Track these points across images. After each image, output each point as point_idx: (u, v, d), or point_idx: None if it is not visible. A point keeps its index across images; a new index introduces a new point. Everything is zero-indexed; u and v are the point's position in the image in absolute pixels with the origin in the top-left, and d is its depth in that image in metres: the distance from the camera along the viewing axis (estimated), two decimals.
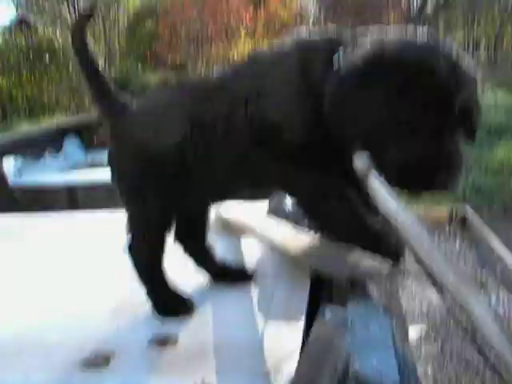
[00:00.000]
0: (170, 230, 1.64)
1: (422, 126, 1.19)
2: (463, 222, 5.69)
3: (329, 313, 0.77)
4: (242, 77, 1.42)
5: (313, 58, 1.32)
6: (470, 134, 1.32)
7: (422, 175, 1.23)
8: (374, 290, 1.03)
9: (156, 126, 1.52)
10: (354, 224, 1.37)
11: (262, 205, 2.16)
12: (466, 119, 1.26)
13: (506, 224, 5.67)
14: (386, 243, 1.34)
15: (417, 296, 4.19)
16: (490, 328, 2.16)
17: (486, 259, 4.87)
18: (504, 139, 9.04)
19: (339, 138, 1.27)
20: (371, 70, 1.20)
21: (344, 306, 0.87)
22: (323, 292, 1.36)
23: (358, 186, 1.37)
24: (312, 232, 1.60)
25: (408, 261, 2.32)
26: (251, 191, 1.63)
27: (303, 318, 1.38)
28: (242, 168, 1.44)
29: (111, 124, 1.64)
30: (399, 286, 4.32)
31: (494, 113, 10.99)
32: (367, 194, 1.50)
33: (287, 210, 1.89)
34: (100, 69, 1.67)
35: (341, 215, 1.37)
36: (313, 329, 0.78)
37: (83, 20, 1.67)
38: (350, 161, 1.28)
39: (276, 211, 1.96)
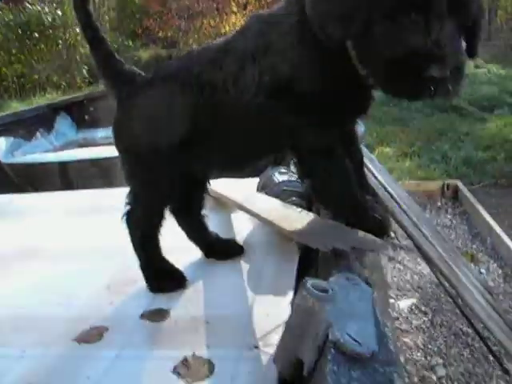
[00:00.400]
0: (171, 203, 1.66)
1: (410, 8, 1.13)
2: (455, 195, 5.76)
3: (310, 285, 0.80)
4: (246, 36, 1.42)
5: None
6: (472, 45, 1.27)
7: (410, 68, 1.13)
8: (357, 262, 1.06)
9: (166, 92, 1.52)
10: (346, 190, 1.40)
11: (253, 181, 2.19)
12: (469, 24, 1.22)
13: (496, 198, 5.72)
14: (372, 217, 1.37)
15: (408, 269, 4.26)
16: (475, 301, 2.22)
17: (477, 232, 4.95)
18: (496, 113, 9.06)
19: (327, 41, 1.25)
20: None
21: (327, 279, 0.90)
22: (311, 265, 1.40)
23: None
24: (299, 208, 1.64)
25: (402, 235, 2.36)
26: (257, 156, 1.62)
27: (291, 292, 1.42)
28: (254, 125, 1.44)
29: (119, 93, 1.62)
30: (383, 258, 4.39)
31: (487, 87, 10.99)
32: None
33: (276, 188, 1.92)
34: (103, 36, 1.66)
35: (338, 177, 1.39)
36: (295, 300, 0.82)
37: None
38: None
39: (266, 188, 1.99)
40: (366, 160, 2.47)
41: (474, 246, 4.69)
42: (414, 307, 3.76)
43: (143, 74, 1.65)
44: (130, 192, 1.63)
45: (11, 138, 4.98)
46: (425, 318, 3.63)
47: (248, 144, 1.50)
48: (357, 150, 1.55)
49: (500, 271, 4.22)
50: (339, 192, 1.40)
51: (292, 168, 2.07)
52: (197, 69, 1.46)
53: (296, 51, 1.31)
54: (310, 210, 1.78)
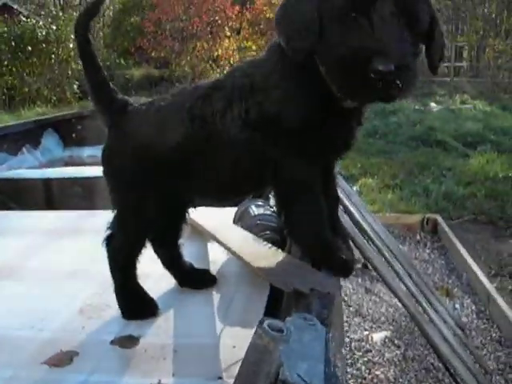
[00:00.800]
0: (153, 231, 1.71)
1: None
2: (434, 230, 5.85)
3: (266, 324, 0.85)
4: (234, 76, 1.51)
5: None
6: (430, 57, 1.37)
7: (356, 65, 1.19)
8: (317, 302, 1.11)
9: (157, 124, 1.58)
10: (317, 229, 1.47)
11: (230, 211, 2.24)
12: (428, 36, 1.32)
13: (474, 234, 5.81)
14: (338, 258, 1.44)
15: (384, 302, 4.32)
16: (441, 339, 2.27)
17: (454, 267, 5.02)
18: (479, 150, 9.22)
19: (293, 56, 1.34)
20: None
21: (286, 317, 0.96)
22: (279, 300, 1.45)
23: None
24: (269, 245, 1.70)
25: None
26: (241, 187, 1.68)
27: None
28: (240, 157, 1.50)
29: (110, 121, 1.68)
30: (359, 290, 4.44)
31: (471, 123, 11.20)
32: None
33: (251, 221, 1.97)
34: (100, 65, 1.70)
35: (312, 215, 1.46)
36: (252, 338, 0.87)
37: (89, 13, 1.70)
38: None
39: (241, 220, 2.04)
40: (343, 195, 2.54)
41: (450, 281, 4.76)
42: (387, 340, 3.80)
43: (135, 104, 1.70)
44: (115, 217, 1.67)
45: None
46: (397, 352, 3.67)
47: (233, 176, 1.56)
48: (333, 191, 1.61)
49: (474, 307, 4.29)
50: (310, 230, 1.47)
51: (269, 201, 2.13)
52: (188, 103, 1.54)
53: (278, 90, 1.40)
54: (283, 243, 1.84)
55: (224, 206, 2.28)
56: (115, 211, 1.67)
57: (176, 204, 1.71)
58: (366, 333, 3.88)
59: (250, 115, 1.43)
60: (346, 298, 4.33)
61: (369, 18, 1.20)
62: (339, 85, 1.28)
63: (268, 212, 2.01)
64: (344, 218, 2.04)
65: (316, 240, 1.46)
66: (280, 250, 1.65)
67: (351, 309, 4.19)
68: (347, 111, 1.42)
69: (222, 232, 1.93)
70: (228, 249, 1.81)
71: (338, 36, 1.24)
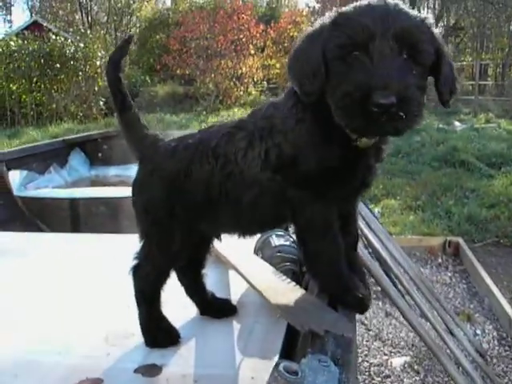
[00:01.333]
0: (178, 263, 1.78)
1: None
2: (456, 253, 5.82)
3: (282, 367, 0.89)
4: (256, 116, 1.59)
5: None
6: (439, 92, 1.41)
7: (359, 100, 1.24)
8: (331, 343, 1.15)
9: (185, 160, 1.65)
10: (334, 268, 1.52)
11: (252, 240, 2.28)
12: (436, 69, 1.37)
13: (497, 258, 5.77)
14: (354, 296, 1.49)
15: (404, 326, 4.31)
16: (456, 371, 2.28)
17: (476, 292, 4.99)
18: (503, 170, 9.14)
19: (305, 99, 1.42)
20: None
21: (304, 355, 1.00)
22: (297, 332, 1.49)
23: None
24: (288, 280, 1.75)
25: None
26: (263, 224, 1.74)
27: (276, 357, 1.51)
28: (260, 196, 1.56)
29: (141, 155, 1.77)
30: (379, 314, 4.43)
31: (495, 143, 11.10)
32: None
33: (271, 252, 2.02)
34: (131, 102, 1.79)
35: (329, 254, 1.51)
36: (268, 380, 0.91)
37: (119, 53, 1.79)
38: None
39: (262, 250, 2.09)
40: (363, 224, 2.58)
41: (472, 306, 4.73)
42: (406, 365, 3.80)
43: (164, 139, 1.78)
44: (142, 248, 1.74)
45: (25, 172, 5.13)
46: (417, 378, 3.67)
47: (254, 213, 1.61)
48: (353, 230, 1.66)
49: (495, 333, 4.26)
50: (327, 268, 1.52)
51: (289, 231, 2.18)
52: (214, 141, 1.61)
53: (294, 133, 1.46)
54: (302, 274, 1.88)
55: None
56: (142, 242, 1.73)
57: (201, 237, 1.77)
58: (386, 357, 3.88)
59: (269, 156, 1.50)
60: (366, 322, 4.34)
61: (369, 55, 1.26)
62: (345, 122, 1.33)
63: (288, 243, 2.05)
64: (362, 251, 2.08)
65: (333, 277, 1.51)
66: (298, 286, 1.69)
67: (371, 333, 4.20)
68: (363, 150, 1.46)
69: (242, 264, 1.98)
70: (248, 282, 1.86)
71: (341, 75, 1.31)
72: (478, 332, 4.28)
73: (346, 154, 1.45)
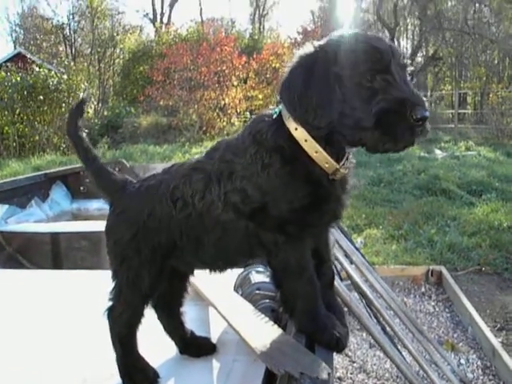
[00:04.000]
0: (152, 301, 1.79)
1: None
2: (439, 281, 5.84)
3: None
4: (213, 158, 1.61)
5: (264, 133, 1.52)
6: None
7: (399, 115, 1.36)
8: (308, 382, 1.15)
9: (146, 203, 1.68)
10: (311, 308, 1.53)
11: (231, 277, 2.27)
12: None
13: (479, 286, 5.80)
14: (331, 335, 1.49)
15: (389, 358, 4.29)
16: None
17: (459, 320, 5.00)
18: (484, 198, 9.24)
19: (316, 132, 1.45)
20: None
21: None
22: (274, 375, 1.49)
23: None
24: (266, 319, 1.75)
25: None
26: (229, 261, 1.75)
27: None
28: (224, 238, 1.59)
29: (111, 200, 1.81)
30: (363, 345, 4.40)
31: (475, 171, 11.25)
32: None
33: (250, 289, 2.02)
34: (95, 153, 1.86)
35: (305, 295, 1.53)
36: None
37: (77, 112, 1.87)
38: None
39: (242, 286, 2.09)
40: (343, 258, 2.59)
41: (456, 335, 4.73)
42: None
43: (134, 181, 1.80)
44: (114, 289, 1.74)
45: (6, 206, 5.08)
46: None
47: (218, 252, 1.64)
48: (328, 269, 1.68)
49: (479, 362, 4.25)
50: (304, 308, 1.53)
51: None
52: (172, 184, 1.64)
53: (262, 178, 1.48)
54: (282, 313, 1.88)
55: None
56: (113, 282, 1.74)
57: (175, 274, 1.78)
58: None
59: (229, 199, 1.52)
60: (350, 354, 4.31)
61: (393, 77, 1.39)
62: (375, 136, 1.39)
63: (268, 279, 2.05)
64: (341, 286, 2.08)
65: (310, 317, 1.52)
66: (276, 326, 1.69)
67: (355, 365, 4.17)
68: (332, 182, 1.50)
69: (221, 302, 1.98)
70: (226, 321, 1.86)
71: (369, 96, 1.38)
72: (462, 361, 4.27)
73: (316, 189, 1.47)
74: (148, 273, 1.68)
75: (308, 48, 1.49)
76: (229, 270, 1.78)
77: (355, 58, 1.40)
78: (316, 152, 1.47)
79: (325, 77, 1.41)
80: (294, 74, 1.47)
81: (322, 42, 1.49)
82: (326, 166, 1.48)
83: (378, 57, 1.39)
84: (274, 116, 1.54)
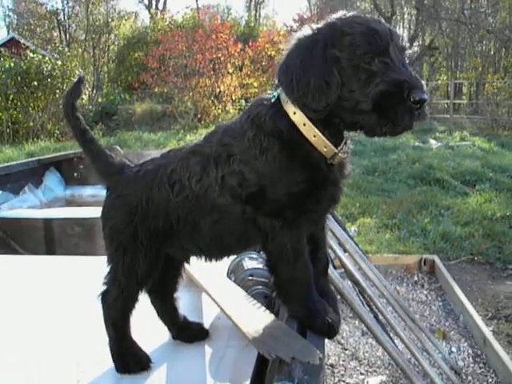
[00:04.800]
0: (146, 287, 1.78)
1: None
2: (431, 270, 5.88)
3: None
4: (211, 142, 1.60)
5: (262, 117, 1.51)
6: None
7: (398, 97, 1.35)
8: (298, 369, 1.16)
9: (144, 187, 1.67)
10: (304, 294, 1.54)
11: (224, 263, 2.27)
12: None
13: (471, 275, 5.84)
14: (323, 321, 1.50)
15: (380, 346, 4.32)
16: None
17: (451, 309, 5.03)
18: (478, 188, 9.28)
19: (315, 115, 1.45)
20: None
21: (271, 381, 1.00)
22: (266, 360, 1.49)
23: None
24: (258, 305, 1.76)
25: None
26: (225, 248, 1.74)
27: (247, 382, 1.51)
28: (220, 222, 1.58)
29: (108, 183, 1.79)
30: (356, 332, 4.43)
31: (470, 161, 11.28)
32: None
33: (243, 275, 2.03)
34: (93, 135, 1.83)
35: (299, 281, 1.53)
36: None
37: (74, 92, 1.83)
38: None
39: (234, 273, 2.10)
40: (337, 246, 2.59)
41: (447, 324, 4.77)
42: None
43: (131, 165, 1.79)
44: (109, 273, 1.74)
45: None
46: None
47: (214, 237, 1.64)
48: (323, 255, 1.68)
49: (470, 350, 4.28)
50: (297, 294, 1.53)
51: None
52: (170, 167, 1.63)
53: (260, 161, 1.48)
54: (274, 298, 1.89)
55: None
56: (108, 267, 1.74)
57: (169, 260, 1.78)
58: (362, 377, 3.88)
59: (226, 183, 1.52)
60: (342, 341, 4.34)
61: (392, 59, 1.38)
62: (374, 119, 1.39)
63: (260, 265, 2.05)
64: (335, 274, 2.09)
65: (302, 303, 1.52)
66: (268, 312, 1.70)
67: (347, 352, 4.20)
68: (330, 167, 1.50)
69: (213, 288, 1.99)
70: (219, 306, 1.86)
71: (367, 78, 1.38)
72: (454, 350, 4.30)
73: (315, 174, 1.47)
74: (144, 258, 1.68)
75: (306, 30, 1.48)
76: (225, 258, 1.78)
77: (353, 40, 1.39)
78: (314, 136, 1.46)
79: (323, 59, 1.40)
80: (292, 56, 1.46)
81: (320, 25, 1.48)
82: (325, 150, 1.47)
83: (376, 39, 1.39)
84: (273, 100, 1.53)
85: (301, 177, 1.46)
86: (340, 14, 1.48)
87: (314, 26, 1.48)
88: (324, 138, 1.47)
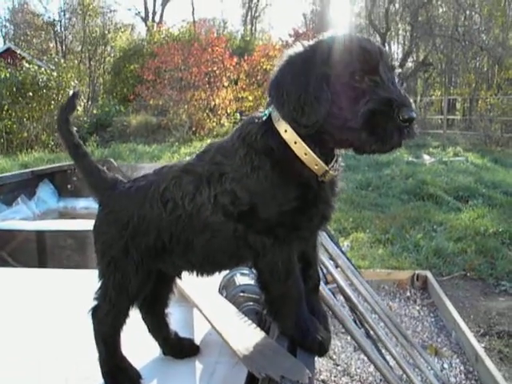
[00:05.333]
0: (137, 302, 1.78)
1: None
2: (424, 286, 5.88)
3: None
4: (204, 161, 1.60)
5: (253, 135, 1.52)
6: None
7: (386, 115, 1.36)
8: None
9: (136, 204, 1.68)
10: (295, 311, 1.54)
11: (216, 278, 2.27)
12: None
13: (464, 291, 5.84)
14: (313, 339, 1.50)
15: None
16: None
17: (443, 325, 5.03)
18: (471, 203, 9.31)
19: (304, 131, 1.45)
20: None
21: None
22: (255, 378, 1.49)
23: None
24: (249, 322, 1.75)
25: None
26: (217, 265, 1.74)
27: None
28: (213, 240, 1.58)
29: (100, 198, 1.79)
30: (348, 348, 4.41)
31: (463, 177, 11.33)
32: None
33: (235, 291, 2.03)
34: (86, 150, 1.84)
35: (290, 299, 1.53)
36: None
37: (68, 107, 1.85)
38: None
39: (226, 288, 2.10)
40: (328, 262, 2.60)
41: (440, 340, 4.76)
42: None
43: (124, 180, 1.80)
44: (100, 288, 1.74)
45: None
46: None
47: (207, 255, 1.64)
48: (314, 273, 1.68)
49: (462, 367, 4.28)
50: (288, 311, 1.53)
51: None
52: (163, 185, 1.64)
53: (251, 179, 1.48)
54: (265, 315, 1.89)
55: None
56: (100, 282, 1.73)
57: (161, 276, 1.78)
58: None
59: (218, 202, 1.52)
60: (334, 357, 4.33)
61: (381, 78, 1.40)
62: (363, 136, 1.39)
63: (252, 282, 2.05)
64: (326, 290, 2.09)
65: (293, 320, 1.53)
66: (259, 329, 1.69)
67: (339, 368, 4.19)
68: (321, 186, 1.51)
69: (205, 304, 1.98)
70: (210, 323, 1.86)
71: (356, 96, 1.39)
72: (446, 366, 4.29)
73: (306, 192, 1.48)
74: (135, 274, 1.68)
75: (298, 47, 1.49)
76: (217, 274, 1.78)
77: (344, 58, 1.40)
78: (305, 154, 1.47)
79: (313, 75, 1.41)
80: (283, 71, 1.47)
81: (311, 42, 1.49)
82: (316, 167, 1.48)
83: (366, 57, 1.40)
84: (264, 118, 1.54)
85: (292, 194, 1.47)
86: (331, 32, 1.50)
87: (306, 43, 1.49)
88: (315, 156, 1.47)
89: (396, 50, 36.94)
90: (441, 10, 31.97)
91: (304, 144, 1.47)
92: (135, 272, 1.68)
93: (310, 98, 1.41)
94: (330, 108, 1.41)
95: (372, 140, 1.39)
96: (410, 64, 33.03)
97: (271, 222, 1.47)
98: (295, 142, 1.47)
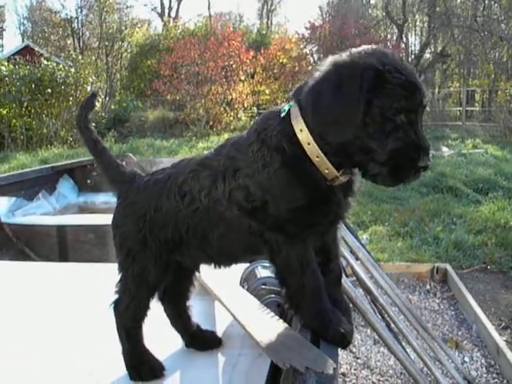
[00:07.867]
0: (158, 294, 1.80)
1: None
2: (444, 279, 5.84)
3: None
4: (220, 155, 1.61)
5: (268, 131, 1.52)
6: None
7: (409, 159, 1.40)
8: (312, 379, 1.16)
9: (154, 197, 1.70)
10: (316, 304, 1.54)
11: (237, 271, 2.28)
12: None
13: (484, 284, 5.79)
14: (335, 331, 1.50)
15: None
16: None
17: (463, 318, 5.00)
18: (490, 196, 9.21)
19: (329, 149, 1.46)
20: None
21: None
22: (279, 369, 1.50)
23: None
24: (272, 314, 1.76)
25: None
26: (233, 257, 1.75)
27: None
28: (228, 234, 1.60)
29: (119, 192, 1.82)
30: (368, 341, 4.40)
31: (483, 169, 11.20)
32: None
33: (256, 284, 2.03)
34: (104, 145, 1.88)
35: (310, 291, 1.53)
36: None
37: (87, 105, 1.89)
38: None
39: (248, 281, 2.10)
40: (348, 254, 2.59)
41: (460, 333, 4.73)
42: None
43: (142, 174, 1.81)
44: (120, 281, 1.76)
45: (13, 198, 5.11)
46: None
47: (222, 248, 1.66)
48: (335, 266, 1.67)
49: (483, 360, 4.25)
50: (309, 304, 1.53)
51: None
52: (181, 178, 1.65)
53: (262, 175, 1.49)
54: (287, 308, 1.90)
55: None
56: (119, 275, 1.76)
57: (180, 269, 1.79)
58: None
59: (233, 197, 1.53)
60: (354, 350, 4.32)
61: (418, 119, 1.43)
62: (388, 172, 1.42)
63: (273, 274, 2.06)
64: (347, 283, 2.09)
65: (314, 313, 1.53)
66: (281, 321, 1.70)
67: (359, 361, 4.18)
68: (331, 189, 1.51)
69: (226, 296, 2.00)
70: (232, 315, 1.87)
71: (389, 131, 1.39)
72: (466, 359, 4.27)
73: (314, 192, 1.48)
74: (154, 266, 1.70)
75: (344, 57, 1.46)
76: (234, 265, 1.79)
77: (393, 92, 1.38)
78: (317, 157, 1.47)
79: (353, 97, 1.38)
80: (324, 82, 1.44)
81: (359, 55, 1.45)
82: (326, 171, 1.48)
83: (414, 96, 1.40)
84: (282, 114, 1.53)
85: (299, 194, 1.47)
86: (382, 50, 1.47)
87: (355, 54, 1.45)
88: (326, 160, 1.47)
89: (413, 41, 36.60)
90: (459, 1, 31.60)
91: (317, 147, 1.47)
92: (154, 264, 1.70)
93: (343, 119, 1.40)
94: (358, 133, 1.40)
95: (389, 177, 1.43)
96: (427, 55, 32.72)
97: (281, 218, 1.48)
98: (309, 144, 1.47)
